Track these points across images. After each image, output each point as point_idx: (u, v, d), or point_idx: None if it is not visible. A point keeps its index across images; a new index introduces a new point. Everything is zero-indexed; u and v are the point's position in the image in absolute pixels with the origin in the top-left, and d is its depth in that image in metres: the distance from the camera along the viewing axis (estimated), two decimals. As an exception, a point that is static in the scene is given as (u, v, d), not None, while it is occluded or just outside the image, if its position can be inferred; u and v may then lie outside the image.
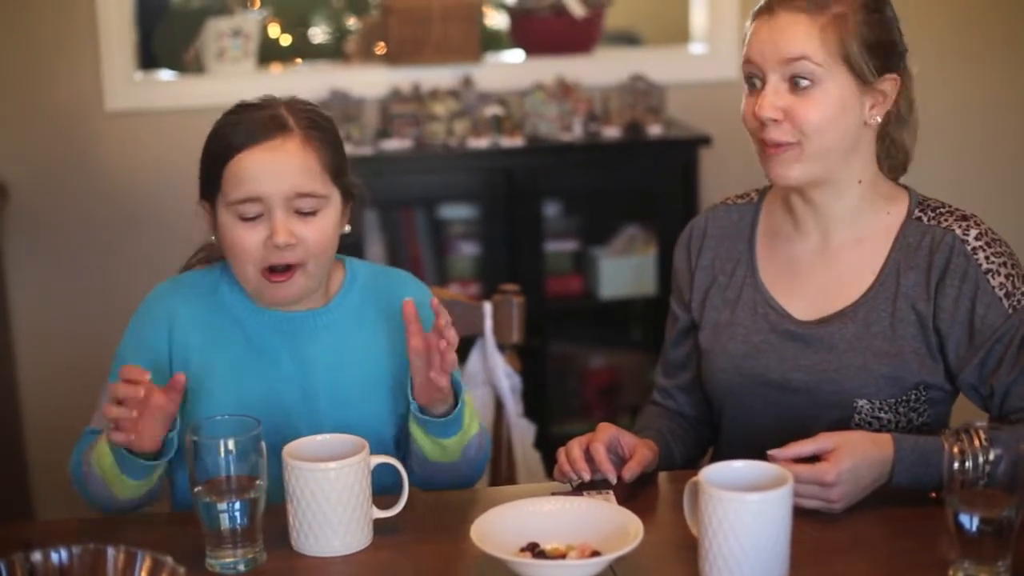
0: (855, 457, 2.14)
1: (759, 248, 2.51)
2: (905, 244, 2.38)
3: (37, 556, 1.70)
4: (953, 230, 2.35)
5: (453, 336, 2.17)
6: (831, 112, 2.28)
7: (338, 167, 2.33)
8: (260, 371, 2.37)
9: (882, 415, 2.35)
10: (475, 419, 2.35)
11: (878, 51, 2.31)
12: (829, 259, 2.43)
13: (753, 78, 2.34)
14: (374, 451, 2.22)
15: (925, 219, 2.39)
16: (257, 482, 2.06)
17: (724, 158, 4.59)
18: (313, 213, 2.28)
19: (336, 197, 2.33)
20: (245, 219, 2.27)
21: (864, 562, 2.03)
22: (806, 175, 2.33)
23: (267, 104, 2.33)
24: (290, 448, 2.10)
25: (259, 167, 2.25)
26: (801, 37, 2.26)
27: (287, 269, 2.29)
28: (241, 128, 2.28)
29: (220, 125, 2.33)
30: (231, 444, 2.04)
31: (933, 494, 2.15)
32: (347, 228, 2.39)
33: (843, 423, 2.35)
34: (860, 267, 2.41)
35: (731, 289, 2.51)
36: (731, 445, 2.50)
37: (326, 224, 2.30)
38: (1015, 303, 2.32)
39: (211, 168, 2.32)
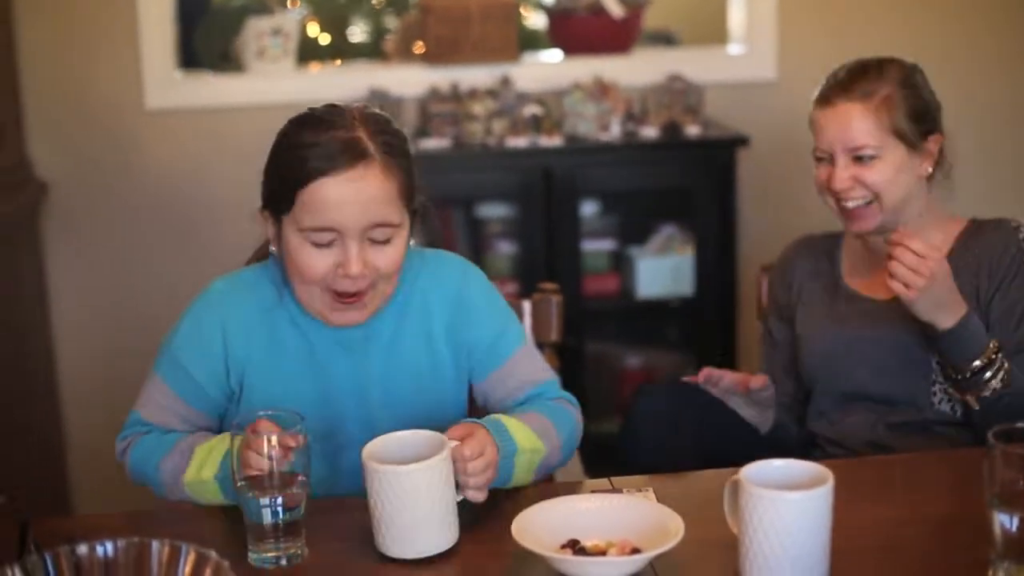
0: (948, 268, 2.55)
1: (843, 266, 2.89)
2: (965, 236, 2.76)
3: (83, 549, 1.70)
4: (1008, 221, 2.75)
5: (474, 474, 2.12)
6: (891, 175, 2.69)
7: (412, 190, 2.27)
8: (314, 378, 2.36)
9: None
10: (538, 451, 2.28)
11: (921, 117, 2.71)
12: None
13: (822, 158, 2.76)
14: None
15: (982, 221, 2.79)
16: (300, 478, 2.06)
17: (761, 158, 4.59)
18: (387, 241, 2.23)
19: (407, 222, 2.28)
20: (317, 245, 2.21)
21: (903, 562, 2.03)
22: (882, 224, 2.72)
23: (342, 120, 2.23)
24: (370, 450, 2.07)
25: (339, 198, 2.17)
26: (858, 127, 2.68)
27: (355, 294, 2.26)
28: (319, 151, 2.19)
29: (294, 142, 2.23)
30: (275, 440, 2.05)
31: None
32: (412, 243, 2.35)
33: (924, 365, 2.70)
34: None
35: (820, 293, 2.88)
36: (823, 405, 2.83)
37: (398, 250, 2.25)
38: None
39: (283, 187, 2.23)
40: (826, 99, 2.74)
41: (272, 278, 2.36)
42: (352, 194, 2.17)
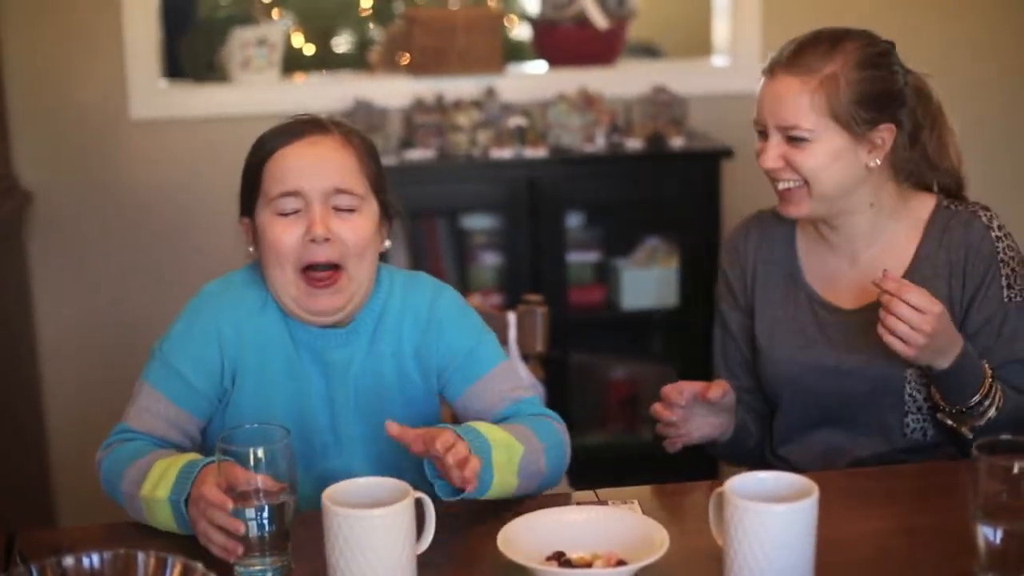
0: (947, 313, 2.41)
1: (801, 257, 2.71)
2: (934, 230, 2.60)
3: (69, 561, 1.70)
4: (979, 215, 2.59)
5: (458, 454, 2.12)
6: (824, 161, 2.51)
7: (377, 178, 2.36)
8: (294, 388, 2.39)
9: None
10: (514, 448, 2.27)
11: (871, 104, 2.51)
12: (862, 266, 2.63)
13: (760, 131, 2.60)
14: (402, 463, 2.30)
15: (950, 206, 2.62)
16: (285, 488, 2.06)
17: (746, 170, 4.58)
18: (351, 211, 2.30)
19: (374, 204, 2.35)
20: (284, 214, 2.29)
21: (888, 573, 2.03)
22: (813, 212, 2.58)
23: (307, 117, 2.37)
24: (330, 493, 1.99)
25: (299, 161, 2.29)
26: (792, 105, 2.50)
27: (327, 270, 2.30)
28: (280, 129, 2.33)
29: (261, 139, 2.36)
30: (260, 453, 2.04)
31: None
32: (387, 244, 2.42)
33: (896, 395, 2.58)
34: (893, 259, 2.60)
35: (780, 290, 2.71)
36: (788, 428, 2.71)
37: (364, 224, 2.32)
38: (1012, 295, 2.57)
39: (251, 173, 2.34)
40: (770, 70, 2.57)
41: (263, 286, 2.39)
42: (311, 157, 2.29)
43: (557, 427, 2.42)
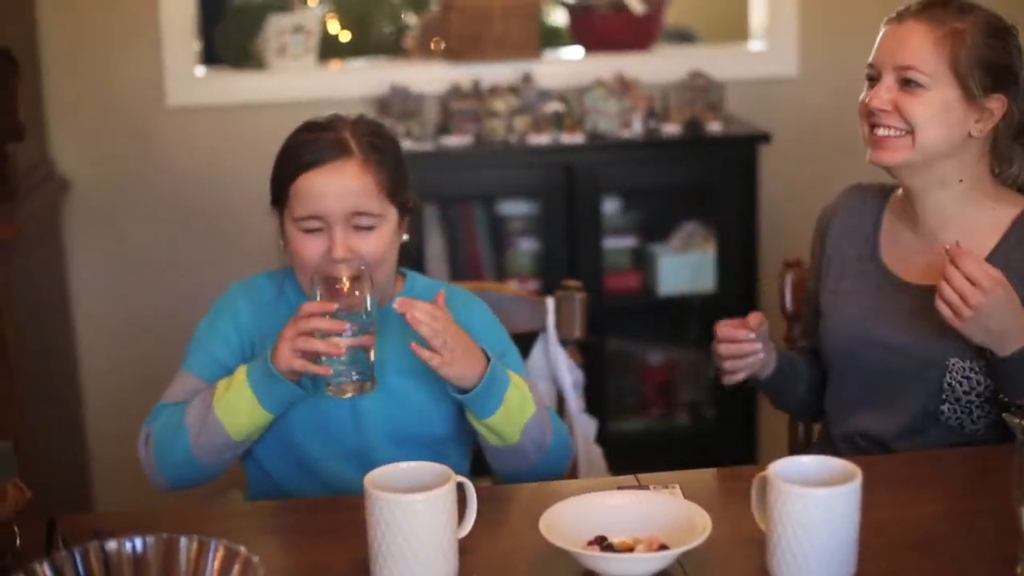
0: (1012, 297, 2.36)
1: (883, 234, 2.68)
2: (1017, 231, 2.54)
3: (112, 545, 1.70)
4: None
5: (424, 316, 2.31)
6: (935, 111, 2.47)
7: (395, 186, 2.46)
8: None
9: (972, 375, 2.51)
10: (529, 402, 2.42)
11: (990, 70, 2.48)
12: (938, 248, 2.52)
13: (872, 76, 2.55)
14: (422, 448, 2.39)
15: None
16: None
17: (783, 155, 4.59)
18: (370, 228, 2.42)
19: (392, 214, 2.46)
20: (307, 231, 2.41)
21: (931, 558, 2.03)
22: (906, 162, 2.52)
23: (333, 126, 2.46)
24: (372, 478, 2.00)
25: (321, 187, 2.40)
26: (916, 47, 2.48)
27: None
28: (307, 148, 2.43)
29: (289, 143, 2.47)
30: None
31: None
32: (405, 237, 2.52)
33: (936, 381, 2.53)
34: (970, 247, 2.48)
35: (854, 262, 2.70)
36: (833, 402, 2.71)
37: (382, 239, 2.43)
38: None
39: (279, 183, 2.46)
40: (897, 17, 2.54)
41: (282, 280, 2.55)
42: (332, 185, 2.39)
43: (564, 430, 2.56)
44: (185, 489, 2.44)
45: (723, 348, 2.56)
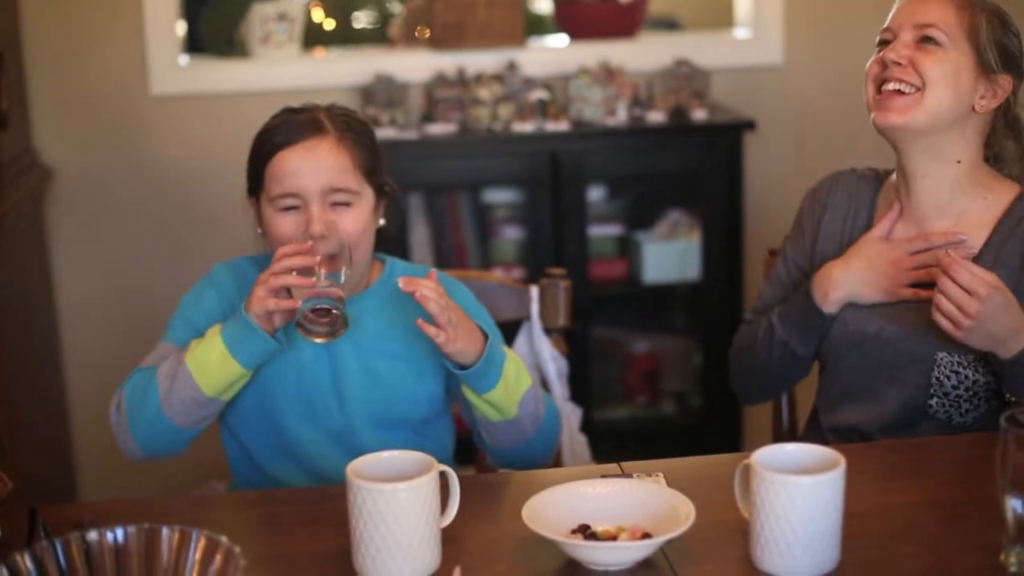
0: (1009, 299, 2.33)
1: (876, 221, 2.64)
2: (1011, 219, 2.52)
3: (93, 535, 1.70)
4: None
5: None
6: (949, 70, 2.46)
7: (371, 167, 2.50)
8: (293, 351, 2.46)
9: (961, 370, 2.50)
10: (524, 375, 2.44)
11: (1003, 52, 2.49)
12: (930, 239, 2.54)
13: (885, 40, 2.55)
14: (405, 430, 2.43)
15: None
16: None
17: (768, 143, 4.59)
18: (347, 205, 2.44)
19: (369, 193, 2.49)
20: (284, 210, 2.44)
21: (915, 546, 2.02)
22: (912, 120, 2.48)
23: (307, 109, 2.51)
24: (355, 467, 1.99)
25: (297, 165, 2.43)
26: (938, 8, 2.48)
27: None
28: (281, 130, 2.46)
29: (264, 128, 2.51)
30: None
31: None
32: (382, 222, 2.55)
33: (925, 375, 2.52)
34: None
35: (843, 247, 2.65)
36: (822, 394, 2.71)
37: (359, 216, 2.46)
38: None
39: (255, 166, 2.50)
40: None
41: (261, 266, 2.49)
42: (308, 161, 2.43)
43: (556, 410, 2.59)
44: (159, 456, 2.43)
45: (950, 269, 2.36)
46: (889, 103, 2.49)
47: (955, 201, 2.54)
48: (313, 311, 2.26)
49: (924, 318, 2.44)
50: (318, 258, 2.30)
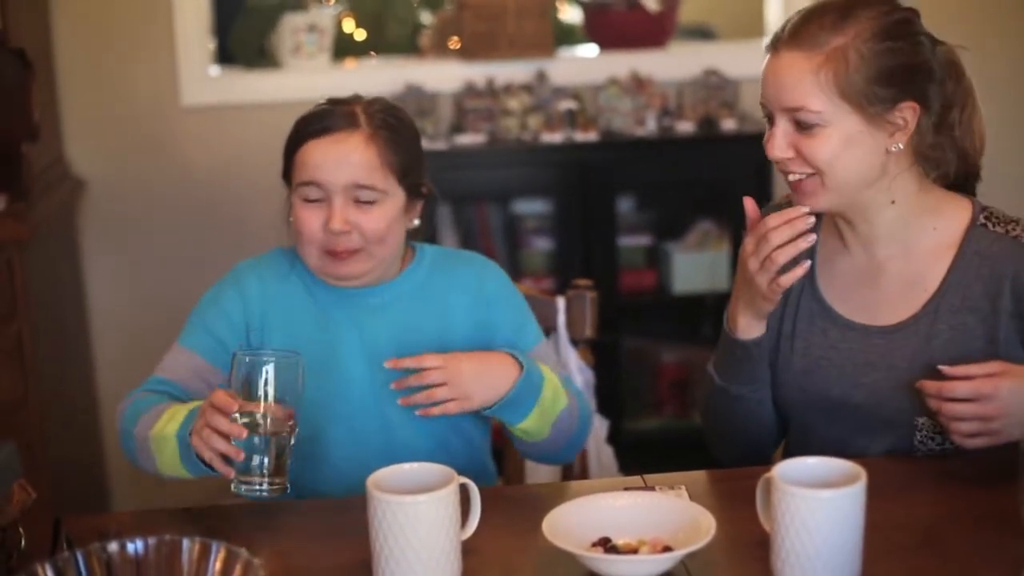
0: (1016, 372, 2.17)
1: (819, 263, 2.43)
2: (970, 253, 2.32)
3: (113, 547, 1.71)
4: (1020, 235, 2.30)
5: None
6: (837, 149, 2.21)
7: (404, 166, 2.43)
8: (325, 341, 2.46)
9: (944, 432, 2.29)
10: (561, 395, 2.39)
11: (890, 80, 2.21)
12: (877, 273, 2.38)
13: (767, 115, 2.30)
14: (444, 423, 2.39)
15: (991, 226, 2.32)
16: (289, 421, 2.14)
17: (799, 153, 4.57)
18: (371, 203, 2.40)
19: (399, 193, 2.43)
20: (308, 200, 2.41)
21: (936, 559, 2.01)
22: (829, 204, 2.29)
23: (347, 102, 2.46)
24: (375, 479, 1.98)
25: (322, 156, 2.39)
26: (797, 85, 2.20)
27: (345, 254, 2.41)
28: (316, 119, 2.43)
29: (303, 116, 2.47)
30: (271, 362, 2.13)
31: None
32: (416, 222, 2.50)
33: (905, 440, 2.36)
34: (916, 280, 2.35)
35: (795, 296, 2.43)
36: (794, 452, 2.43)
37: (383, 215, 2.41)
38: None
39: (287, 152, 2.46)
40: (772, 45, 2.25)
41: (292, 256, 2.51)
42: (334, 154, 2.39)
43: (589, 410, 2.53)
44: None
45: (777, 234, 2.24)
46: (798, 189, 2.27)
47: (901, 232, 2.34)
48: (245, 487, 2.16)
49: (894, 377, 2.32)
50: (244, 433, 2.09)
